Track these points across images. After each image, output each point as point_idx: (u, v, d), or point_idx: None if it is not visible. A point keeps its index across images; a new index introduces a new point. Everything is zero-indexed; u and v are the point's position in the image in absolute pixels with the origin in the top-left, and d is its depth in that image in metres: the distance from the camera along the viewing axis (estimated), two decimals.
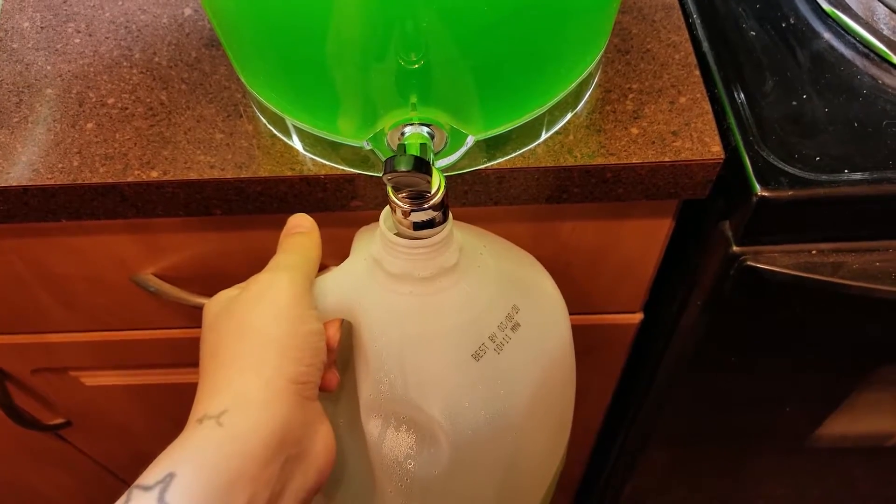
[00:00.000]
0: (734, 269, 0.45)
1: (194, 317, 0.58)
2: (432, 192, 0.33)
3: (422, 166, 0.30)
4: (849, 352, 0.54)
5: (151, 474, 0.29)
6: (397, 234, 0.35)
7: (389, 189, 0.34)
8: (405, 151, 0.34)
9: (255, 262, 0.42)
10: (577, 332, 0.50)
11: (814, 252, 0.44)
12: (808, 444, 0.73)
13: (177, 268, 0.52)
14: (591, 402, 0.72)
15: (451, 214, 0.36)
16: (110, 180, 0.42)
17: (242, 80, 0.41)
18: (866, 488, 0.91)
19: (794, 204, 0.41)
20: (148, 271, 0.52)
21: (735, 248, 0.44)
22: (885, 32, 0.46)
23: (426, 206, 0.33)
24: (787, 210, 0.41)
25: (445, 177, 0.35)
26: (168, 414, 0.74)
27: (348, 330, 0.42)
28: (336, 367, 0.41)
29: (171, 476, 0.29)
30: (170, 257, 0.51)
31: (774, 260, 0.44)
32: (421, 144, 0.35)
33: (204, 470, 0.29)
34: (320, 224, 0.39)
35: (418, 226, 0.34)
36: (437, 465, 0.37)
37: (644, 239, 0.50)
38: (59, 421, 0.75)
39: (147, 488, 0.29)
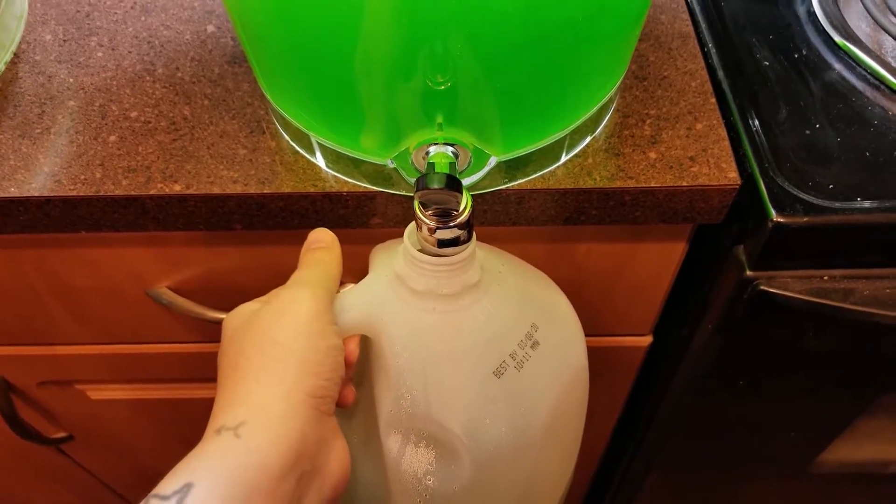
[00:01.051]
0: (748, 293, 0.45)
1: (206, 331, 0.58)
2: (460, 210, 0.34)
3: (453, 184, 0.30)
4: (856, 377, 0.55)
5: (169, 484, 0.29)
6: (421, 251, 0.36)
7: (417, 206, 0.34)
8: (434, 170, 0.34)
9: (270, 278, 0.43)
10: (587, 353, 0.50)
11: (826, 278, 0.45)
12: (810, 470, 0.73)
13: (192, 282, 0.53)
14: (597, 424, 0.72)
15: (474, 233, 0.36)
16: (133, 193, 0.42)
17: (267, 96, 0.42)
18: None
19: (808, 230, 0.41)
20: (163, 285, 0.53)
21: (749, 273, 0.45)
22: (894, 64, 0.47)
23: (453, 224, 0.34)
24: (801, 236, 0.42)
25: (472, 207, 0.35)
26: (172, 431, 0.73)
27: (364, 348, 0.42)
28: (352, 383, 0.41)
29: (188, 486, 0.29)
30: (185, 271, 0.52)
31: (787, 285, 0.44)
32: (449, 164, 0.35)
33: (221, 482, 0.29)
34: (339, 241, 0.40)
35: (443, 243, 0.35)
36: (457, 482, 0.37)
37: (658, 262, 0.51)
38: (62, 435, 0.74)
39: (164, 498, 0.29)
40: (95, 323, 0.57)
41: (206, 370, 0.62)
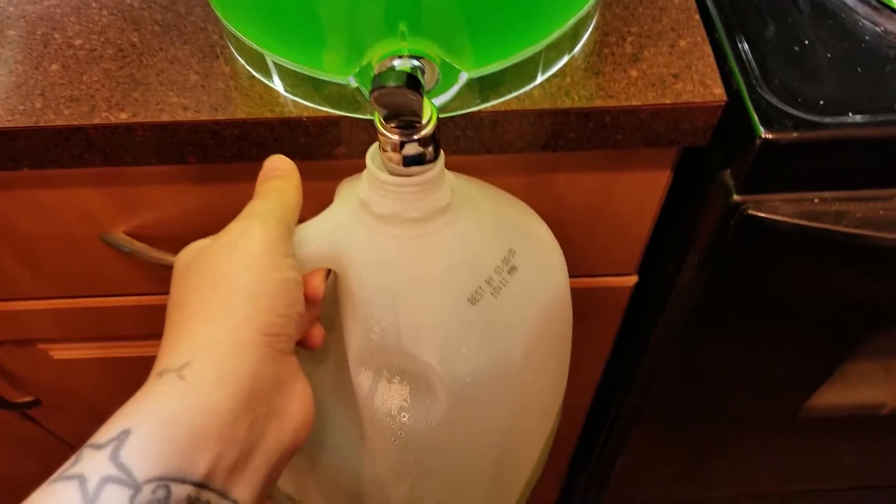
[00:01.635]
0: (735, 219, 0.43)
1: (167, 282, 0.55)
2: (424, 122, 0.31)
3: (413, 84, 0.27)
4: (848, 311, 0.53)
5: (104, 432, 0.26)
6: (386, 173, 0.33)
7: (378, 120, 0.31)
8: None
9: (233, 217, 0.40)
10: (571, 295, 0.48)
11: (816, 201, 0.42)
12: (800, 415, 0.72)
13: (150, 226, 0.50)
14: (583, 372, 0.71)
15: (442, 151, 0.34)
16: (75, 122, 0.39)
17: (219, 14, 0.39)
18: (851, 463, 0.90)
19: (798, 147, 0.39)
20: (119, 230, 0.50)
21: (736, 197, 0.43)
22: None
23: (417, 137, 0.31)
24: (790, 154, 0.40)
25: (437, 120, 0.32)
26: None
27: (333, 286, 0.39)
28: (321, 324, 0.38)
29: (126, 433, 0.26)
30: (142, 214, 0.49)
31: (776, 208, 0.42)
32: None
33: (163, 426, 0.27)
34: (303, 176, 0.37)
35: (409, 160, 0.32)
36: (433, 417, 0.35)
37: (641, 192, 0.48)
38: (28, 399, 0.72)
39: (99, 447, 0.26)
40: (51, 274, 0.54)
41: None
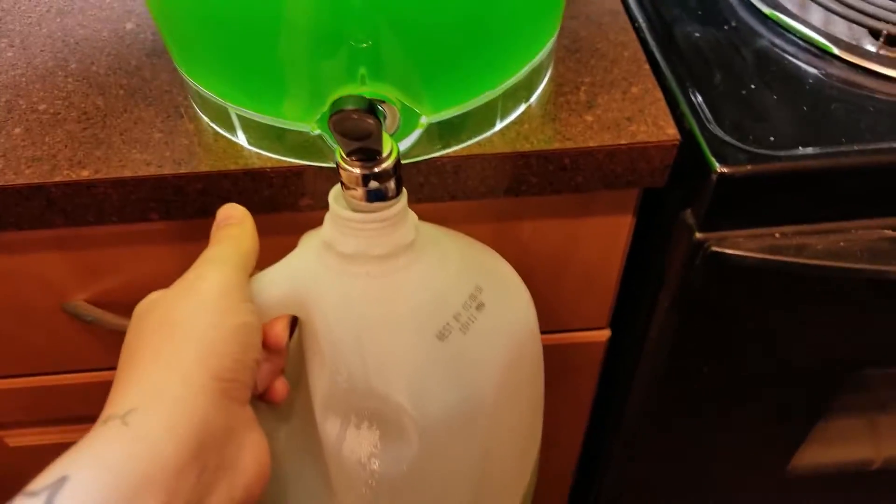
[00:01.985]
0: (699, 257, 0.43)
1: None
2: (385, 155, 0.31)
3: (370, 108, 0.28)
4: (823, 350, 0.53)
5: (41, 479, 0.25)
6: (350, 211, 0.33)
7: (339, 155, 0.32)
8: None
9: None
10: (545, 353, 0.47)
11: (777, 235, 0.43)
12: (788, 475, 0.71)
13: (112, 292, 0.49)
14: (565, 436, 0.69)
15: (404, 189, 0.34)
16: (36, 181, 0.39)
17: (183, 71, 0.40)
18: None
19: (753, 180, 0.40)
20: (80, 297, 0.48)
21: (698, 235, 0.43)
22: (821, 27, 0.48)
23: (378, 169, 0.31)
24: (746, 187, 0.41)
25: (401, 166, 0.33)
26: None
27: (298, 343, 0.39)
28: (285, 378, 0.37)
29: (62, 480, 0.25)
30: (104, 280, 0.48)
31: (739, 244, 0.43)
32: None
33: (103, 473, 0.25)
34: (268, 229, 0.37)
35: (372, 196, 0.32)
36: (405, 461, 0.33)
37: (606, 238, 0.49)
38: None
39: (33, 494, 0.24)
40: (9, 350, 0.52)
41: None
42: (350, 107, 0.27)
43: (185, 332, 0.30)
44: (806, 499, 0.78)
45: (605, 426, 0.66)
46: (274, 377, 0.36)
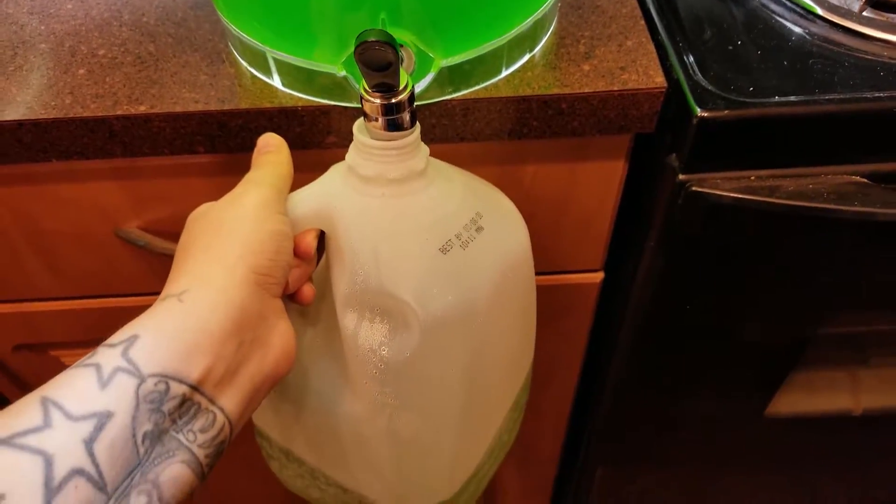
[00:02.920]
0: (682, 197, 0.48)
1: None
2: (401, 88, 0.37)
3: (390, 39, 0.33)
4: (797, 291, 0.57)
5: (116, 336, 0.32)
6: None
7: (363, 87, 0.37)
8: None
9: None
10: (541, 294, 0.53)
11: (752, 178, 0.48)
12: (767, 418, 0.75)
13: (161, 221, 0.55)
14: (561, 376, 0.74)
15: (418, 122, 0.39)
16: (100, 114, 0.45)
17: (224, 19, 0.45)
18: (829, 478, 0.92)
19: (730, 124, 0.45)
20: (133, 224, 0.55)
21: (681, 177, 0.48)
22: None
23: (395, 100, 0.37)
24: (724, 131, 0.45)
25: (416, 107, 0.38)
26: None
27: (325, 263, 0.44)
28: (312, 284, 0.43)
29: (134, 337, 0.31)
30: (154, 209, 0.54)
31: (717, 185, 0.47)
32: None
33: (164, 335, 0.32)
34: (297, 166, 0.42)
35: (390, 125, 0.38)
36: (408, 349, 0.39)
37: (601, 182, 0.54)
38: None
39: (112, 345, 0.31)
40: (67, 273, 0.59)
41: None
42: (372, 38, 0.33)
43: (229, 234, 0.36)
44: (783, 444, 0.82)
45: (599, 364, 0.72)
46: (303, 282, 0.42)
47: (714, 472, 0.88)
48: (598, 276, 0.63)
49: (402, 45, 0.41)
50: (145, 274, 0.59)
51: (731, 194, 0.47)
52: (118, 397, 0.29)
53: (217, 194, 0.53)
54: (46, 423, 0.27)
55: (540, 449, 0.88)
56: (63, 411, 0.28)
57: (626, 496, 0.90)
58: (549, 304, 0.62)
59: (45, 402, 0.28)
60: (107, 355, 0.30)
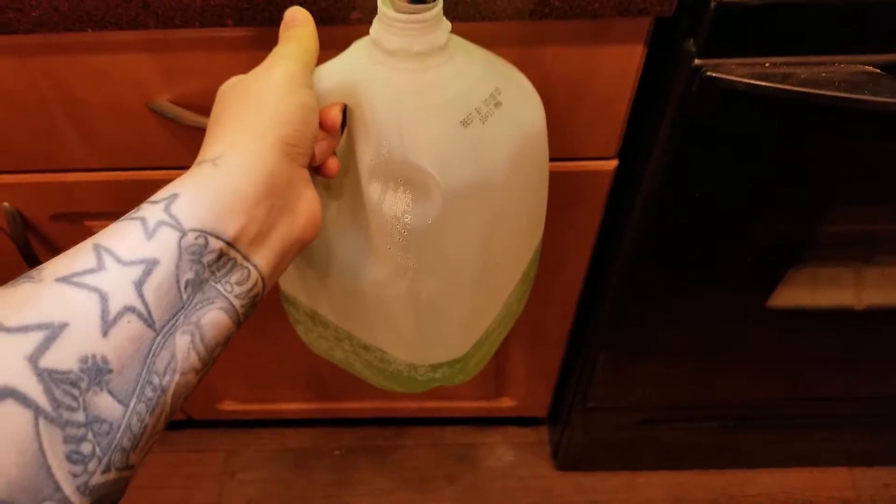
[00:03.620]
0: (696, 82, 0.50)
1: None
2: None
3: None
4: (806, 182, 0.59)
5: (158, 194, 0.35)
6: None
7: None
8: None
9: None
10: (555, 180, 0.55)
11: (767, 65, 0.49)
12: (770, 309, 0.79)
13: (191, 96, 0.57)
14: (571, 263, 0.78)
15: None
16: None
17: None
18: (831, 369, 0.97)
19: (747, 10, 0.46)
20: (164, 97, 0.57)
21: (697, 62, 0.49)
22: None
23: None
24: (741, 17, 0.46)
25: None
26: None
27: (348, 138, 0.47)
28: (337, 157, 0.46)
29: (175, 195, 0.34)
30: (185, 83, 0.56)
31: (732, 70, 0.49)
32: None
33: (203, 195, 0.34)
34: (322, 42, 0.44)
35: None
36: (430, 216, 0.42)
37: (619, 67, 0.55)
38: None
39: (155, 202, 0.34)
40: (102, 143, 0.62)
41: None
42: None
43: (259, 104, 0.39)
44: (784, 336, 0.86)
45: (606, 253, 0.75)
46: (328, 155, 0.45)
47: (714, 362, 0.92)
48: (612, 164, 0.65)
49: None
50: (176, 147, 0.62)
51: (745, 80, 0.48)
52: (162, 247, 0.32)
53: (245, 68, 0.55)
54: (100, 266, 0.30)
55: (547, 334, 0.92)
56: (114, 256, 0.31)
57: (628, 382, 0.95)
58: (563, 190, 0.64)
59: (98, 249, 0.31)
60: (151, 210, 0.33)
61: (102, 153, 0.63)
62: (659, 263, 0.72)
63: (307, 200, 0.40)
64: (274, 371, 1.01)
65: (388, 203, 0.43)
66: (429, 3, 0.40)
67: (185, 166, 0.64)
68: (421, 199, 0.43)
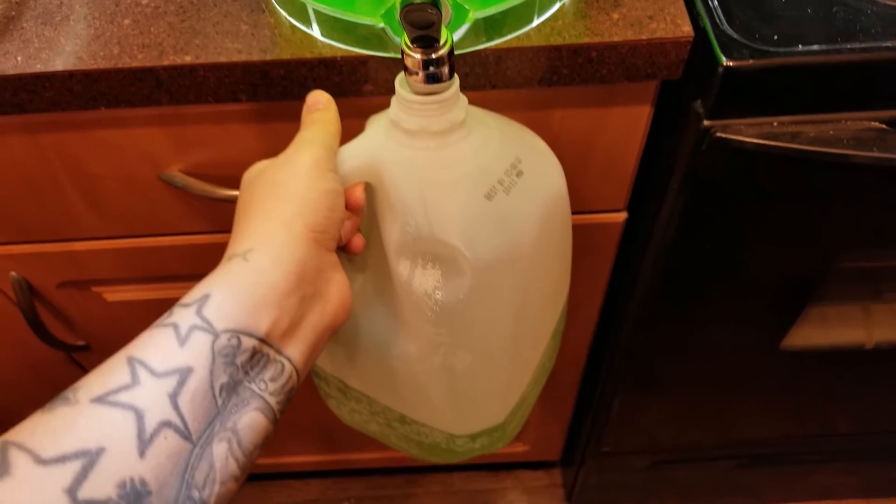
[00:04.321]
0: (706, 142, 0.50)
1: (218, 220, 0.63)
2: (441, 43, 0.38)
3: (434, 1, 0.35)
4: (815, 231, 0.60)
5: (190, 296, 0.35)
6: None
7: (404, 42, 0.39)
8: None
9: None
10: None
11: (775, 124, 0.50)
12: (781, 351, 0.79)
13: (203, 165, 0.57)
14: (583, 311, 0.78)
15: (456, 74, 0.41)
16: (148, 64, 0.47)
17: None
18: (842, 405, 0.96)
19: (755, 73, 0.46)
20: (176, 168, 0.57)
21: (706, 123, 0.50)
22: None
23: (436, 55, 0.38)
24: (749, 80, 0.47)
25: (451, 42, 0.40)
26: None
27: (370, 209, 0.47)
28: (361, 234, 0.46)
29: (207, 296, 0.34)
30: (197, 153, 0.56)
31: (741, 131, 0.49)
32: None
33: (234, 293, 0.34)
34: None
35: (430, 78, 0.40)
36: (461, 291, 0.43)
37: (627, 126, 0.55)
38: (79, 343, 0.79)
39: (187, 305, 0.34)
40: (112, 214, 0.62)
41: (216, 264, 0.67)
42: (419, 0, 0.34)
43: (286, 193, 0.39)
44: (797, 374, 0.86)
45: (619, 301, 0.75)
46: (353, 233, 0.45)
47: (728, 400, 0.92)
48: (622, 216, 0.65)
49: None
50: (187, 214, 0.62)
51: (754, 140, 0.49)
52: (196, 353, 0.32)
53: (257, 140, 0.56)
54: (135, 381, 0.30)
55: (560, 378, 0.92)
56: (148, 369, 0.31)
57: (643, 424, 0.94)
58: (574, 242, 0.64)
59: (132, 361, 0.31)
60: (183, 315, 0.33)
61: (111, 222, 0.63)
62: (670, 309, 0.72)
63: (337, 284, 0.40)
64: (279, 423, 1.00)
65: (418, 280, 0.43)
66: (445, 82, 0.40)
67: (194, 232, 0.65)
68: (451, 274, 0.43)
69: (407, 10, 0.35)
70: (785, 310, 0.73)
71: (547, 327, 0.54)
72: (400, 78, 0.42)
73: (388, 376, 0.50)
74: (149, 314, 0.75)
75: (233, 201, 0.57)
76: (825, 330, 0.80)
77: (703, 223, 0.59)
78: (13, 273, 0.68)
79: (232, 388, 0.33)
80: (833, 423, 0.97)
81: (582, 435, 1.00)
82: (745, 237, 0.61)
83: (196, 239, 0.65)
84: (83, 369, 0.85)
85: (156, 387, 0.30)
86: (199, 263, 0.67)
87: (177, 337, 0.32)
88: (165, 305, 0.74)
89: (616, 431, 0.95)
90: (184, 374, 0.31)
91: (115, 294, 0.72)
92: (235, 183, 0.57)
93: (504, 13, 0.46)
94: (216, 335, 0.33)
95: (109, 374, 0.31)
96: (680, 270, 0.66)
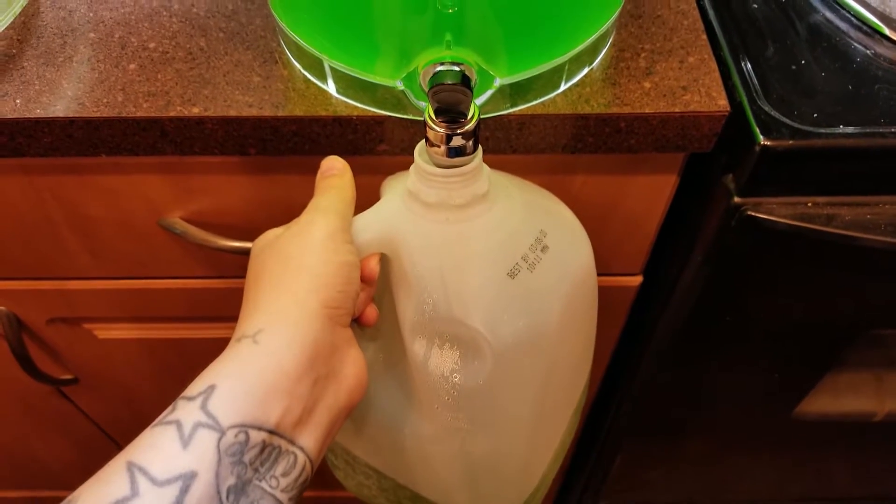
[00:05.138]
0: (735, 219, 0.48)
1: (215, 266, 0.60)
2: (468, 118, 0.36)
3: (465, 83, 0.33)
4: (839, 311, 0.57)
5: (194, 387, 0.32)
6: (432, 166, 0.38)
7: (428, 116, 0.36)
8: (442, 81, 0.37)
9: (283, 210, 0.44)
10: None
11: (809, 204, 0.47)
12: (793, 420, 0.76)
13: (204, 213, 0.55)
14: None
15: (480, 146, 0.39)
16: (154, 115, 0.44)
17: (282, 23, 0.44)
18: (846, 474, 0.94)
19: (793, 154, 0.44)
20: (176, 215, 0.55)
21: (737, 199, 0.47)
22: (876, 6, 0.50)
23: (461, 131, 0.36)
24: (786, 160, 0.44)
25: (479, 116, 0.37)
26: (175, 374, 0.75)
27: (383, 275, 0.44)
28: (374, 304, 0.43)
29: (212, 388, 0.31)
30: (199, 201, 0.54)
31: (773, 210, 0.47)
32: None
33: (242, 382, 0.32)
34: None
35: (453, 152, 0.37)
36: (482, 375, 0.40)
37: (650, 194, 0.53)
38: (68, 377, 0.76)
39: (191, 398, 0.31)
40: (107, 256, 0.59)
41: (212, 308, 0.64)
42: (449, 81, 0.32)
43: (298, 267, 0.36)
44: (806, 444, 0.84)
45: (626, 364, 0.72)
46: (367, 304, 0.42)
47: (727, 463, 0.89)
48: (637, 280, 0.63)
49: (463, 64, 0.40)
50: (184, 260, 0.59)
51: (787, 221, 0.46)
52: (200, 455, 0.29)
53: (261, 190, 0.53)
54: (134, 492, 0.28)
55: None
56: (148, 477, 0.28)
57: (645, 480, 0.91)
58: None
59: (131, 468, 0.29)
60: (186, 410, 0.31)
61: (106, 263, 0.60)
62: (681, 375, 0.70)
63: (352, 361, 0.37)
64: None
65: (435, 362, 0.40)
66: (468, 154, 0.38)
67: (190, 276, 0.62)
68: (470, 357, 0.40)
69: (437, 89, 0.33)
70: (801, 378, 0.70)
71: (570, 405, 0.51)
72: (420, 147, 0.39)
73: (401, 453, 0.47)
74: (140, 353, 0.72)
75: (232, 252, 0.54)
76: (837, 398, 0.77)
77: (725, 295, 0.57)
78: (2, 307, 0.65)
79: (240, 489, 0.30)
80: (834, 487, 0.95)
81: (577, 486, 0.97)
82: (768, 311, 0.58)
83: (193, 283, 0.62)
84: (72, 403, 0.82)
85: (157, 498, 0.28)
86: (194, 306, 0.65)
87: (180, 437, 0.30)
88: (158, 345, 0.72)
89: (616, 486, 0.92)
90: (187, 480, 0.28)
91: (107, 332, 0.69)
92: (236, 232, 0.55)
93: (531, 79, 0.43)
94: (222, 432, 0.30)
95: (107, 484, 0.28)
96: (695, 339, 0.63)
